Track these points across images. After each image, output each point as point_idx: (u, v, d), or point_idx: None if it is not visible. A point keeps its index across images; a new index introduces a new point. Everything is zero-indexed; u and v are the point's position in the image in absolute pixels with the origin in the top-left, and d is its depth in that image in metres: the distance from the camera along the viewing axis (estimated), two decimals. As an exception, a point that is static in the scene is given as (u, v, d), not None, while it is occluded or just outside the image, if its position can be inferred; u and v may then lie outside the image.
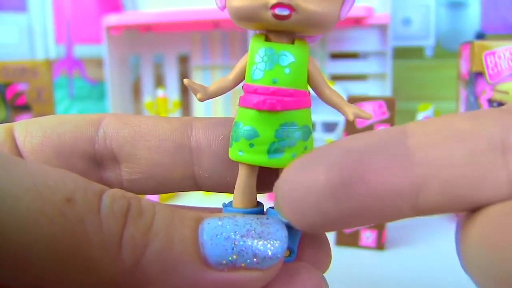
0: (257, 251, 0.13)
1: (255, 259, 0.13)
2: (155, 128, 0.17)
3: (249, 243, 0.13)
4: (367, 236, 0.37)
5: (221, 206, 0.17)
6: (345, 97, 0.17)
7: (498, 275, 0.10)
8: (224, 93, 0.17)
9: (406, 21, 0.66)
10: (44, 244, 0.11)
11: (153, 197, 0.40)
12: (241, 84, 0.16)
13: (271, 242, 0.13)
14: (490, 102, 0.40)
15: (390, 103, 0.36)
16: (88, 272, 0.12)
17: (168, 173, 0.17)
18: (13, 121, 0.18)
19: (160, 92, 0.57)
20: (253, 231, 0.13)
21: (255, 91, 0.15)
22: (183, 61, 0.68)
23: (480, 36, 0.64)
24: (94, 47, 0.71)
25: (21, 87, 0.58)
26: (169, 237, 0.13)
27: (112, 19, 0.59)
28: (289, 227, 0.15)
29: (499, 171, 0.11)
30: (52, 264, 0.11)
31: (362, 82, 0.62)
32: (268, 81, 0.15)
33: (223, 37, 0.65)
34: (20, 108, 0.59)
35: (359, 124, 0.36)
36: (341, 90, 0.58)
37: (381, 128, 0.15)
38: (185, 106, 0.69)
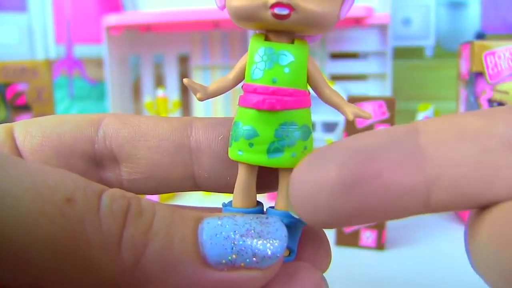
0: (256, 250, 0.13)
1: (254, 259, 0.13)
2: (155, 128, 0.17)
3: (249, 242, 0.13)
4: (367, 236, 0.37)
5: (221, 206, 0.17)
6: (345, 97, 0.17)
7: (508, 273, 0.10)
8: (224, 92, 0.17)
9: (406, 21, 0.66)
10: (44, 244, 0.11)
11: (153, 197, 0.40)
12: (241, 84, 0.16)
13: (271, 241, 0.13)
14: (490, 102, 0.40)
15: (390, 103, 0.36)
16: (88, 272, 0.12)
17: (168, 173, 0.17)
18: (13, 121, 0.18)
19: (160, 92, 0.57)
20: (252, 231, 0.13)
21: (254, 91, 0.15)
22: (183, 61, 0.68)
23: (480, 36, 0.64)
24: (94, 47, 0.71)
25: (21, 87, 0.59)
26: (169, 237, 0.13)
27: (112, 19, 0.59)
28: (289, 227, 0.15)
29: (510, 170, 0.11)
30: (52, 264, 0.11)
31: (362, 82, 0.62)
32: (268, 80, 0.15)
33: (223, 37, 0.65)
34: (20, 108, 0.59)
35: (359, 124, 0.36)
36: (341, 90, 0.58)
37: (381, 127, 0.15)
38: (185, 106, 0.69)
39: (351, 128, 0.36)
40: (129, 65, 0.69)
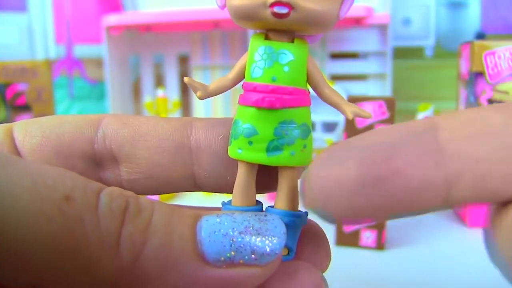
0: (255, 247, 0.13)
1: (253, 256, 0.13)
2: (154, 128, 0.17)
3: (247, 239, 0.13)
4: (367, 236, 0.37)
5: (221, 205, 0.17)
6: (345, 97, 0.17)
7: None
8: (224, 91, 0.17)
9: (406, 21, 0.66)
10: (43, 243, 0.11)
11: (153, 198, 0.40)
12: (241, 83, 0.16)
13: (269, 238, 0.13)
14: (490, 102, 0.40)
15: (390, 103, 0.36)
16: (87, 270, 0.12)
17: (168, 173, 0.17)
18: (13, 121, 0.18)
19: (160, 92, 0.57)
20: (251, 228, 0.13)
21: (254, 89, 0.15)
22: (183, 61, 0.68)
23: (480, 36, 0.64)
24: (94, 47, 0.71)
25: (21, 87, 0.59)
26: (168, 235, 0.13)
27: (112, 19, 0.59)
28: (288, 226, 0.15)
29: None
30: (51, 262, 0.11)
31: (362, 82, 0.62)
32: (267, 79, 0.15)
33: (223, 37, 0.65)
34: (20, 108, 0.59)
35: (359, 124, 0.36)
36: (341, 90, 0.58)
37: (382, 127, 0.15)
38: (185, 106, 0.69)
39: (351, 128, 0.36)
40: (129, 65, 0.69)
